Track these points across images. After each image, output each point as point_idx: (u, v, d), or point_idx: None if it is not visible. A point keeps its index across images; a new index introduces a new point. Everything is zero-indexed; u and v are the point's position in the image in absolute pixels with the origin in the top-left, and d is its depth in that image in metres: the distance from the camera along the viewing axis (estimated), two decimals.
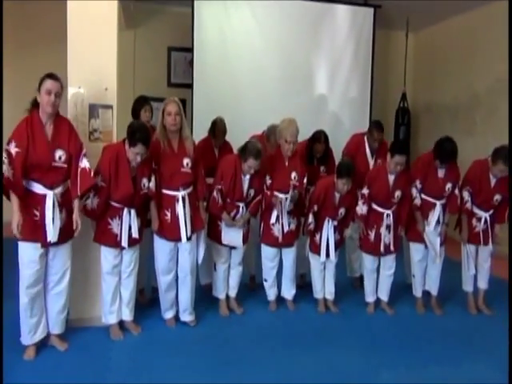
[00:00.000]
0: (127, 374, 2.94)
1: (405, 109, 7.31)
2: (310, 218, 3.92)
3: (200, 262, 3.69)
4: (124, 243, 3.30)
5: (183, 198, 3.42)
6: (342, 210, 3.95)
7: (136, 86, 6.17)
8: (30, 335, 3.03)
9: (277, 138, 3.97)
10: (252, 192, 3.82)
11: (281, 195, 3.86)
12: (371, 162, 4.52)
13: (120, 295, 3.45)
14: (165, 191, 3.44)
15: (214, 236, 3.86)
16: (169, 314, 3.66)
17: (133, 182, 3.25)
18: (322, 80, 6.61)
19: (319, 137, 4.33)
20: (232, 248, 3.91)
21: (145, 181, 3.33)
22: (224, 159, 3.90)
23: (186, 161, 3.43)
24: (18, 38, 6.13)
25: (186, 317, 3.65)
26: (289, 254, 4.05)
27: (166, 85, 6.98)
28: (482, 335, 3.72)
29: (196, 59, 6.17)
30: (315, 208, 3.92)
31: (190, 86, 6.22)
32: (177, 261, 3.58)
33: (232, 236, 3.83)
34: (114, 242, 3.31)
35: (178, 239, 3.46)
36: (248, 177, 3.76)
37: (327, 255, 3.97)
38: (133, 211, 3.32)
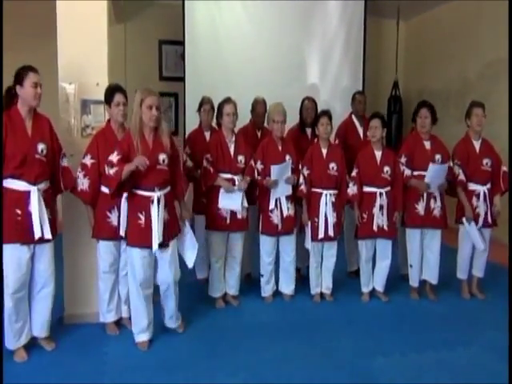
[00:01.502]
0: (123, 369, 2.96)
1: (397, 97, 7.32)
2: (301, 179, 3.96)
3: (190, 266, 3.46)
4: (122, 232, 3.26)
5: (159, 200, 3.06)
6: (332, 165, 3.96)
7: (128, 80, 6.13)
8: (14, 340, 2.99)
9: (267, 122, 4.10)
10: (242, 159, 3.83)
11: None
12: (361, 134, 4.65)
13: (118, 293, 3.45)
14: (138, 192, 3.08)
15: (211, 221, 3.81)
16: (143, 336, 3.22)
17: None
18: (314, 69, 6.61)
19: (306, 97, 4.58)
20: (230, 224, 3.80)
21: None
22: None
23: (161, 157, 3.07)
24: (5, 33, 6.08)
25: (173, 323, 3.41)
26: (288, 247, 4.04)
27: (158, 78, 6.97)
28: (476, 319, 3.77)
29: (187, 52, 6.14)
30: (305, 170, 3.96)
31: (182, 79, 6.21)
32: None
33: (231, 199, 3.74)
34: (113, 235, 3.28)
35: (151, 246, 3.07)
36: (233, 143, 3.82)
37: (326, 236, 3.96)
38: None
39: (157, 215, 3.04)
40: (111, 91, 3.30)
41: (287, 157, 3.96)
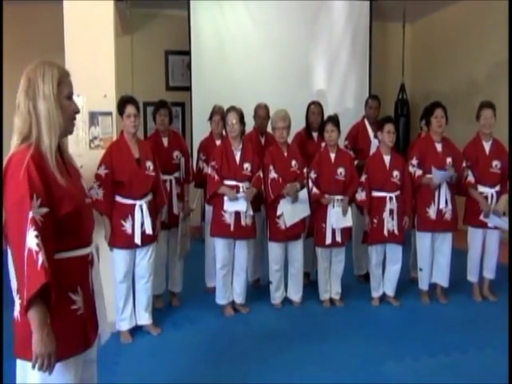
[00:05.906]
0: (134, 377, 2.97)
1: (404, 100, 7.31)
2: (310, 184, 3.98)
3: None
4: (137, 239, 3.31)
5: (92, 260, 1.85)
6: (341, 170, 3.96)
7: (135, 91, 6.20)
8: None
9: (271, 130, 4.12)
10: (248, 166, 3.83)
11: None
12: (372, 139, 4.59)
13: (134, 301, 3.50)
14: (70, 254, 1.69)
15: (215, 228, 3.82)
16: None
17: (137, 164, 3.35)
18: (321, 75, 6.64)
19: (312, 101, 4.65)
20: (236, 238, 3.82)
21: (149, 163, 3.39)
22: None
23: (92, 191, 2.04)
24: (14, 46, 6.17)
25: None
26: (296, 254, 4.03)
27: (165, 88, 7.02)
28: (488, 322, 3.75)
29: (194, 62, 6.20)
30: (313, 174, 3.98)
31: (188, 88, 6.26)
32: None
33: (236, 203, 3.73)
34: (128, 243, 3.33)
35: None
36: (239, 151, 3.82)
37: (334, 242, 3.95)
38: (144, 207, 3.34)
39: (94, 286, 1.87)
40: (123, 103, 3.37)
41: (293, 162, 3.95)
